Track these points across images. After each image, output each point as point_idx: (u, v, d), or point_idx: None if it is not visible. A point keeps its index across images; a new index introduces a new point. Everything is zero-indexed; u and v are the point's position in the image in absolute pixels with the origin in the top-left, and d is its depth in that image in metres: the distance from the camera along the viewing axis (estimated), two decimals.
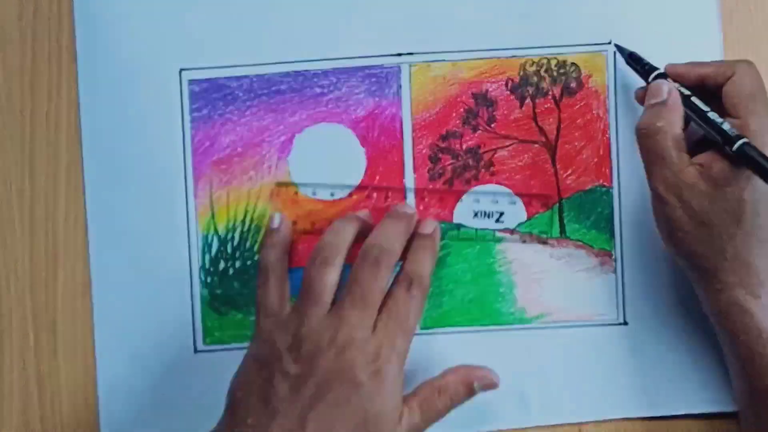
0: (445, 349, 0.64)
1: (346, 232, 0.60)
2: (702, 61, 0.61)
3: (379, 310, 0.57)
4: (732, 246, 0.57)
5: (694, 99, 0.59)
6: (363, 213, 0.63)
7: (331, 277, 0.57)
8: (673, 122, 0.58)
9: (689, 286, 0.64)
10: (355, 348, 0.56)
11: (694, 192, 0.57)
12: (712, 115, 0.58)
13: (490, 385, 0.60)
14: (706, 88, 0.60)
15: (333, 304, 0.57)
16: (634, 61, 0.63)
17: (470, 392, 0.60)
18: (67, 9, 0.64)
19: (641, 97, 0.61)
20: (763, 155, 0.55)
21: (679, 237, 0.58)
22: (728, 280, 0.57)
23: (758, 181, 0.56)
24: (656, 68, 0.61)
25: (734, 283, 0.57)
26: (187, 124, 0.64)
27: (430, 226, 0.62)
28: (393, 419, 0.56)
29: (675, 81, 0.60)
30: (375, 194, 0.64)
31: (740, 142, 0.56)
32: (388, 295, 0.58)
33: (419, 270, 0.59)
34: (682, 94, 0.59)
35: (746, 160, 0.55)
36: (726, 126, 0.57)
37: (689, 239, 0.58)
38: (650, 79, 0.61)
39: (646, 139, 0.58)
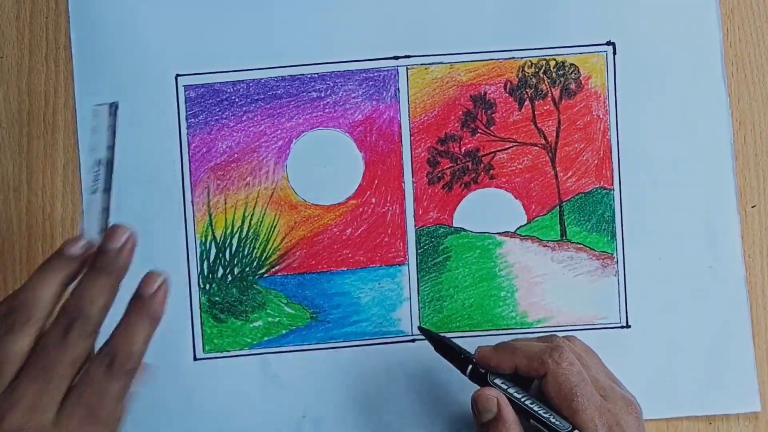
0: None
1: (45, 287, 0.49)
2: (513, 342, 0.58)
3: (71, 390, 0.48)
4: None
5: (522, 397, 0.56)
6: (78, 247, 0.50)
7: (15, 346, 0.47)
8: None
9: (691, 289, 0.64)
10: None
11: None
12: (547, 418, 0.55)
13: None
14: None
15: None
16: (443, 349, 0.59)
17: None
18: (64, 8, 0.64)
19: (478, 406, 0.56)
20: None
21: None
22: None
23: None
24: (470, 356, 0.58)
25: None
26: (184, 130, 0.64)
27: (153, 283, 0.51)
28: None
29: (495, 367, 0.57)
30: (373, 199, 0.64)
31: None
32: (83, 373, 0.48)
33: (126, 344, 0.49)
34: (512, 397, 0.56)
35: None
36: (559, 426, 0.55)
37: None
38: (468, 373, 0.58)
39: None
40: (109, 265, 0.50)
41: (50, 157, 0.64)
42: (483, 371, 0.57)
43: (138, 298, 0.50)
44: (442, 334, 0.61)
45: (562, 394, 0.55)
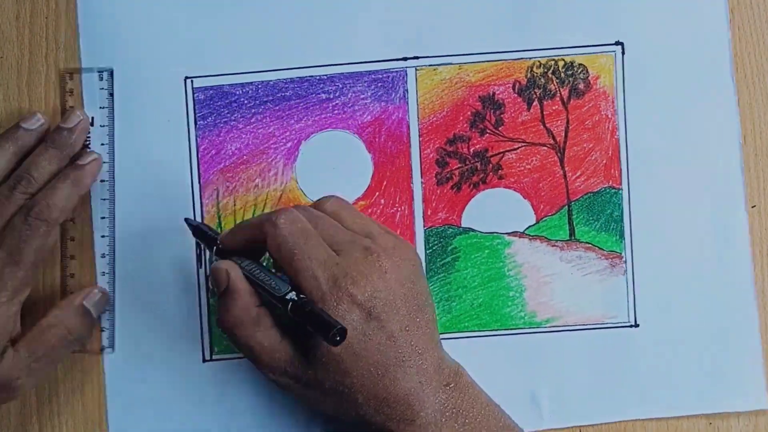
0: (456, 354, 0.63)
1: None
2: (248, 220, 0.60)
3: None
4: (360, 394, 0.54)
5: (250, 267, 0.57)
6: (33, 121, 0.61)
7: None
8: (244, 306, 0.55)
9: (700, 287, 0.64)
10: None
11: (295, 366, 0.55)
12: (268, 283, 0.55)
13: (100, 298, 0.61)
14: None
15: None
16: (198, 235, 0.61)
17: (86, 314, 0.60)
18: (64, 9, 0.64)
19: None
20: (312, 311, 0.52)
21: (317, 406, 0.57)
22: (377, 420, 0.55)
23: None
24: (216, 236, 0.60)
25: (383, 420, 0.55)
26: (193, 133, 0.64)
27: (86, 158, 0.61)
28: None
29: (233, 247, 0.58)
30: (382, 200, 0.64)
31: (290, 304, 0.53)
32: (10, 223, 0.58)
33: (46, 198, 0.58)
34: (244, 267, 0.57)
35: (301, 318, 0.53)
36: (277, 289, 0.54)
37: (325, 406, 0.56)
38: (213, 254, 0.59)
39: (230, 336, 0.56)
40: (59, 140, 0.60)
41: None
42: (226, 251, 0.58)
43: (70, 165, 0.60)
44: (198, 222, 0.63)
45: (282, 255, 0.55)
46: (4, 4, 0.64)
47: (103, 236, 0.64)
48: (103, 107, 0.63)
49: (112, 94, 0.63)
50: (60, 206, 0.59)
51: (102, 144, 0.63)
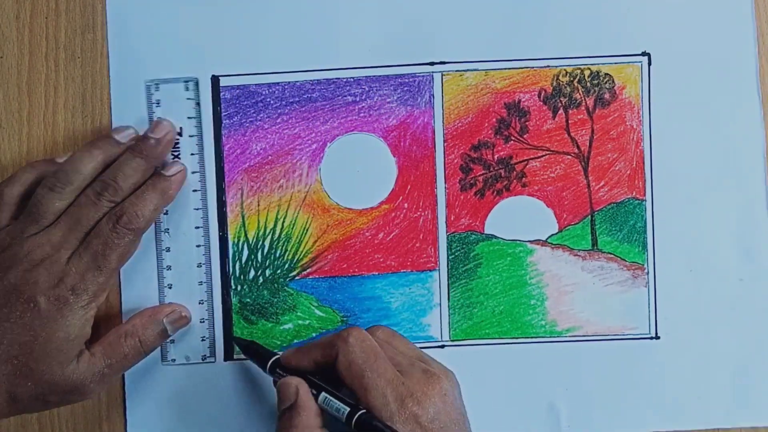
0: (476, 361, 0.64)
1: (86, 162, 0.59)
2: (317, 341, 0.59)
3: (84, 240, 0.58)
4: None
5: (316, 384, 0.57)
6: (124, 134, 0.61)
7: (53, 203, 0.58)
8: (309, 424, 0.55)
9: (722, 301, 0.64)
10: (44, 267, 0.56)
11: None
12: (330, 398, 0.56)
13: (181, 320, 0.62)
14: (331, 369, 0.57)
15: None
16: (251, 352, 0.61)
17: (161, 331, 0.61)
18: (64, 8, 0.64)
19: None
20: (379, 424, 0.53)
21: None
22: None
23: None
24: (274, 353, 0.60)
25: None
26: (219, 131, 0.64)
27: (173, 169, 0.61)
28: (65, 353, 0.56)
29: (297, 367, 0.58)
30: (406, 204, 0.64)
31: (355, 418, 0.54)
32: (96, 227, 0.58)
33: (134, 206, 0.58)
34: (312, 383, 0.57)
35: None
36: (342, 406, 0.55)
37: None
38: (268, 368, 0.59)
39: None
40: (146, 150, 0.60)
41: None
42: (289, 369, 0.58)
43: (157, 175, 0.60)
44: (249, 340, 0.62)
45: (353, 372, 0.55)
46: (4, 4, 0.64)
47: (198, 246, 0.64)
48: (191, 117, 0.64)
49: (198, 104, 0.63)
50: (147, 216, 0.59)
51: (192, 154, 0.64)
